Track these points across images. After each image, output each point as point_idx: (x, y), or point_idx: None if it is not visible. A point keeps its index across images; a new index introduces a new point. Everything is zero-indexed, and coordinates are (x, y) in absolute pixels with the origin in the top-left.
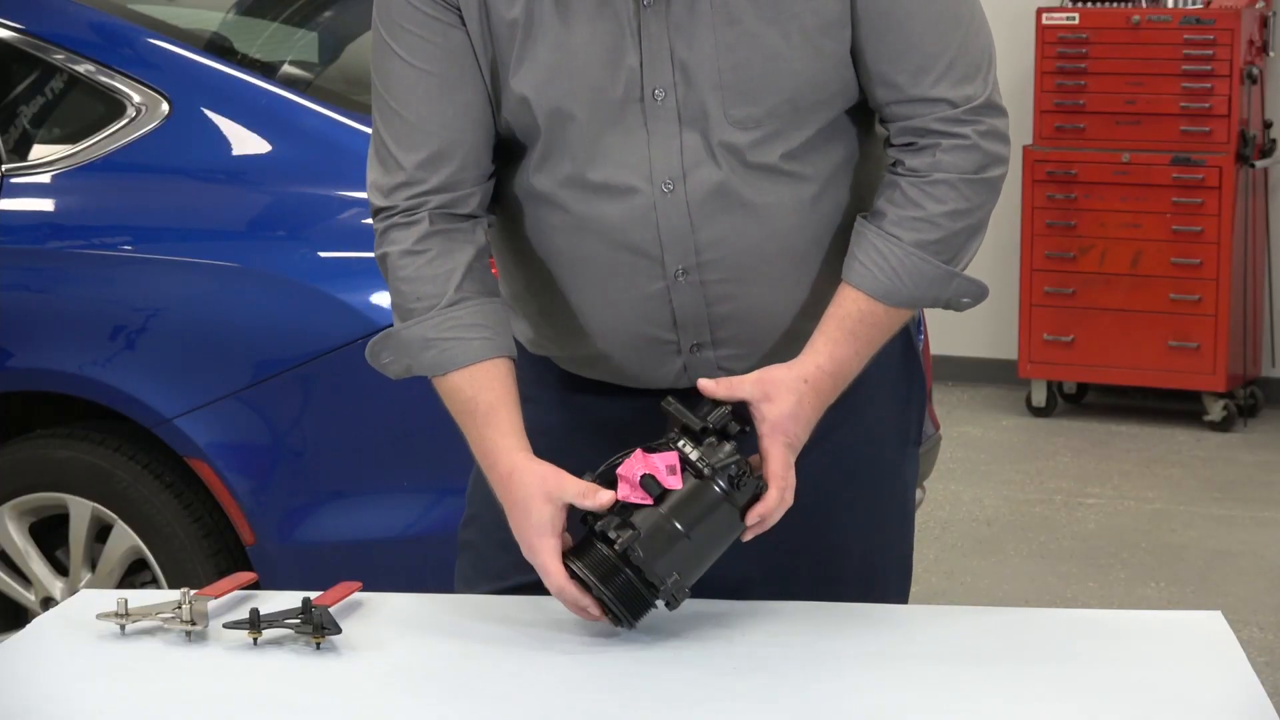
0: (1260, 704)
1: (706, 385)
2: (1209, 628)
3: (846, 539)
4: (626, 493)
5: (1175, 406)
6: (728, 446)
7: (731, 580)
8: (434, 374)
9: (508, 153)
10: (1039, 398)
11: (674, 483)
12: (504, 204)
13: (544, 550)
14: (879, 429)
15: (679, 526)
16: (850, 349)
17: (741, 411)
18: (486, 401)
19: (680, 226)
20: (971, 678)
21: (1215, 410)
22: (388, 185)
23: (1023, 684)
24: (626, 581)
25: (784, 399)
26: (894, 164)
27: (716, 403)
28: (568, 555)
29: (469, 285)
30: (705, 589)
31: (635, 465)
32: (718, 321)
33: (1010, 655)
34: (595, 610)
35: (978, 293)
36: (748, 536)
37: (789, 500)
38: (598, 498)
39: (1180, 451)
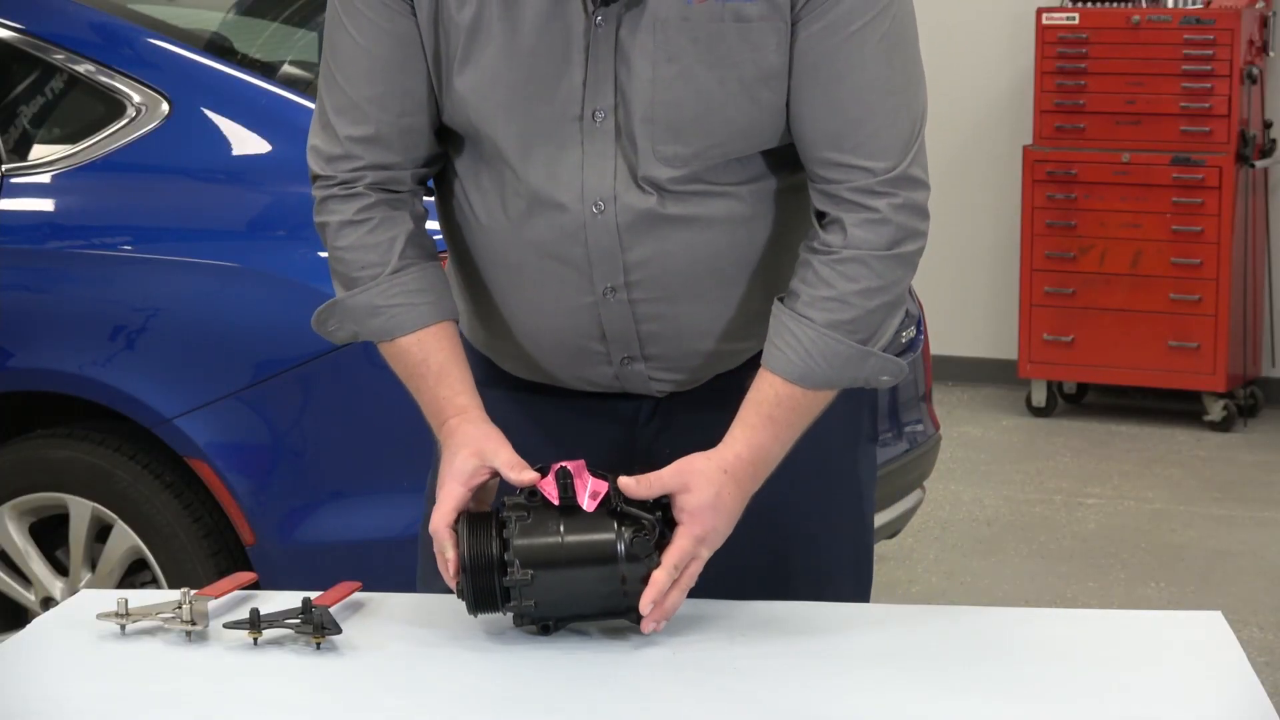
0: (1260, 704)
1: (627, 484)
2: (1209, 628)
3: (794, 538)
4: (545, 484)
5: (1175, 406)
6: (655, 514)
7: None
8: (381, 339)
9: (454, 147)
10: (1039, 398)
11: (587, 504)
12: (449, 197)
13: (447, 492)
14: (826, 427)
15: (562, 540)
16: (769, 434)
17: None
18: (438, 362)
19: (609, 247)
20: (971, 678)
21: (1215, 410)
22: (327, 154)
23: (1023, 684)
24: (487, 554)
25: (703, 490)
26: (809, 239)
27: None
28: (465, 512)
29: (410, 251)
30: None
31: (568, 469)
32: (647, 338)
33: (1010, 655)
34: (452, 568)
35: (896, 371)
36: (646, 627)
37: (682, 586)
38: (522, 474)
39: (1180, 451)
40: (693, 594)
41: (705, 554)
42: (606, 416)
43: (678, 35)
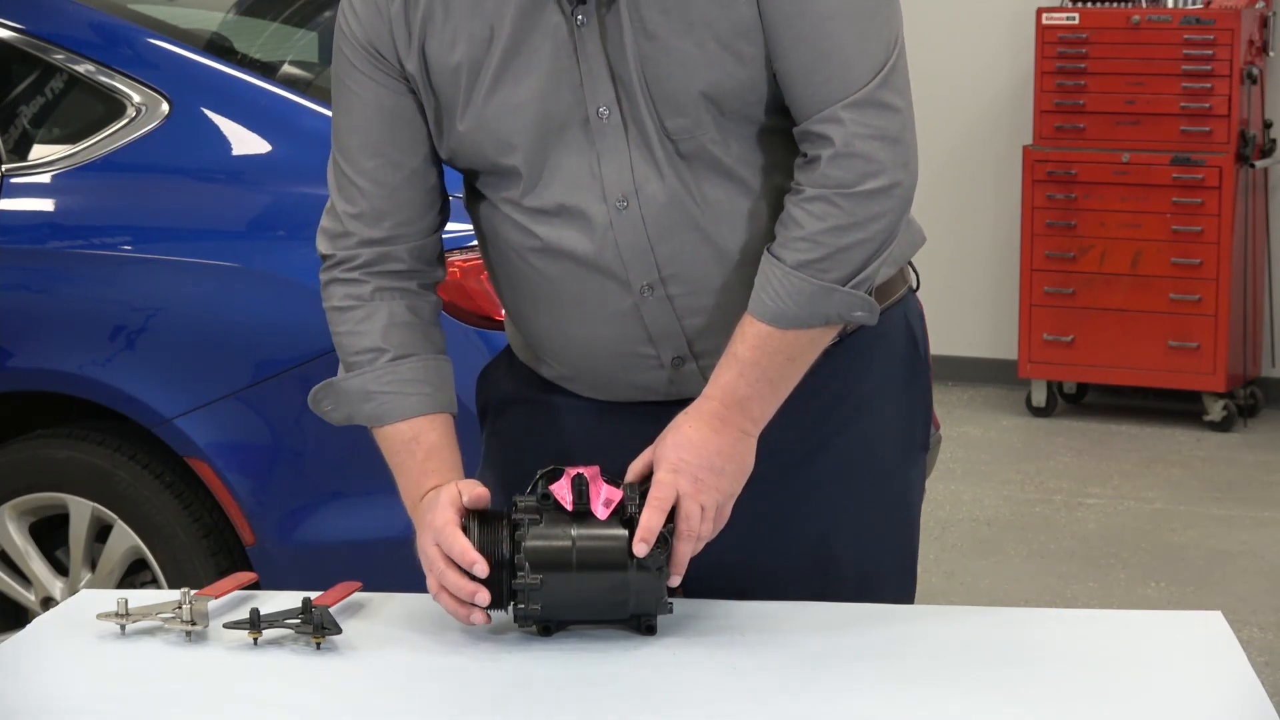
0: (1260, 704)
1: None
2: (1209, 628)
3: (841, 544)
4: (559, 489)
5: (1175, 406)
6: (668, 526)
7: (725, 577)
8: (372, 425)
9: (471, 191)
10: (1039, 398)
11: (600, 511)
12: (485, 228)
13: (441, 514)
14: (882, 434)
15: (573, 543)
16: (734, 372)
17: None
18: (430, 442)
19: (638, 243)
20: (971, 678)
21: (1215, 410)
22: (330, 232)
23: (1023, 684)
24: (498, 553)
25: (667, 433)
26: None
27: None
28: (476, 511)
29: (412, 342)
30: (704, 588)
31: (584, 475)
32: (693, 334)
33: (1010, 655)
34: (472, 554)
35: (866, 307)
36: (638, 549)
37: (690, 534)
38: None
39: (1180, 451)
40: (705, 594)
41: (685, 485)
42: (662, 424)
43: (649, 10)
